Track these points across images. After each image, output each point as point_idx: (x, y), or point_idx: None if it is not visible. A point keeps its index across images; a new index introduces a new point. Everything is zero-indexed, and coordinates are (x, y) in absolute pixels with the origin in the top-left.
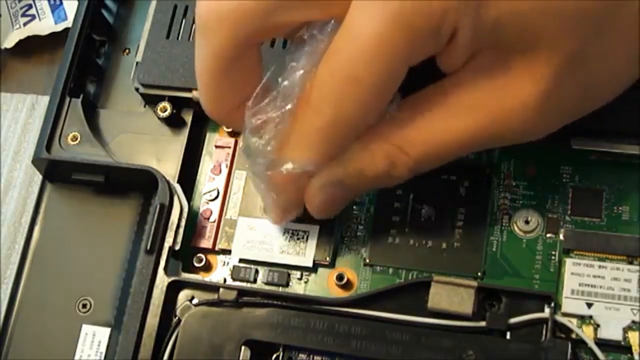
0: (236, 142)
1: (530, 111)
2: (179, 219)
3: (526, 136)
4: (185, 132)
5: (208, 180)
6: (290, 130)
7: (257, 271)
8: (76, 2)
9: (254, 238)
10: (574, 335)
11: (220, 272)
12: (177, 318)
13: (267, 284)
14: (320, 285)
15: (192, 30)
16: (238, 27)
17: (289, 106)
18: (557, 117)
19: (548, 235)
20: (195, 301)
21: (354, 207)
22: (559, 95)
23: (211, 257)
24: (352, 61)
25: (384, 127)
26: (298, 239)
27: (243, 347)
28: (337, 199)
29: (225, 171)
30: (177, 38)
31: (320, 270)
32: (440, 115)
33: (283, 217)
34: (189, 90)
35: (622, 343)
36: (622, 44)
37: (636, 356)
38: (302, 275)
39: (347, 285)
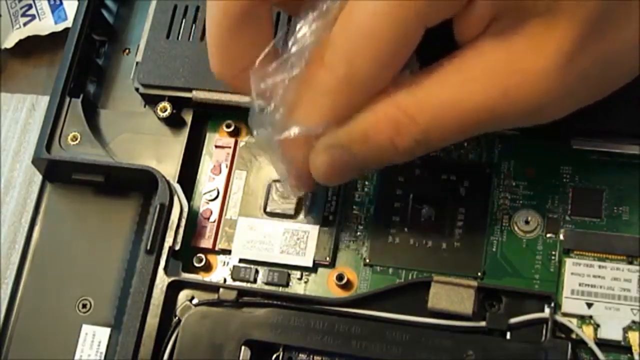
0: (236, 142)
1: (551, 78)
2: (179, 219)
3: (544, 110)
4: (185, 132)
5: (208, 180)
6: (298, 94)
7: (257, 271)
8: (76, 2)
9: (254, 238)
10: (574, 335)
11: (220, 272)
12: (177, 318)
13: (267, 284)
14: (320, 285)
15: (192, 30)
16: None
17: (297, 71)
18: (576, 93)
19: (548, 235)
20: (195, 301)
21: (354, 207)
22: (579, 64)
23: (211, 257)
24: (367, 16)
25: (394, 90)
26: (298, 239)
27: (243, 347)
28: (341, 165)
29: (225, 171)
30: (177, 38)
31: (320, 270)
32: (454, 81)
33: (298, 186)
34: (189, 90)
35: (622, 343)
36: None
37: (636, 356)
38: (302, 275)
39: (347, 285)
